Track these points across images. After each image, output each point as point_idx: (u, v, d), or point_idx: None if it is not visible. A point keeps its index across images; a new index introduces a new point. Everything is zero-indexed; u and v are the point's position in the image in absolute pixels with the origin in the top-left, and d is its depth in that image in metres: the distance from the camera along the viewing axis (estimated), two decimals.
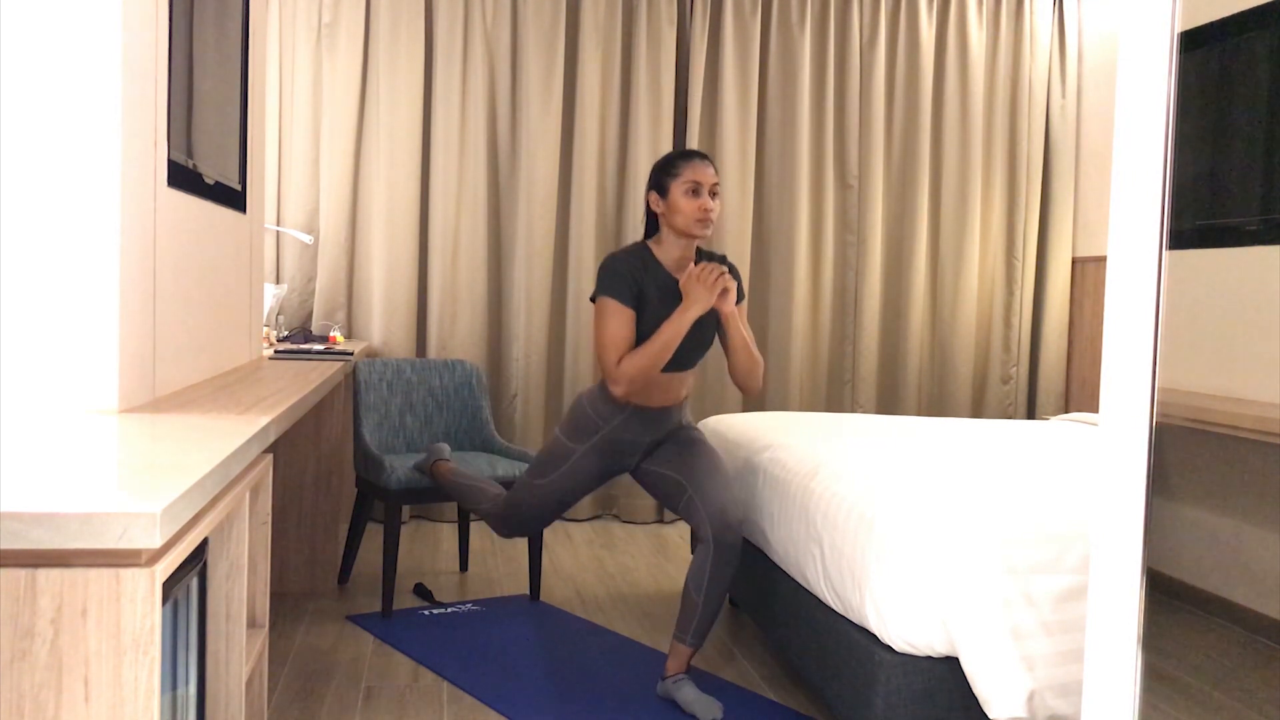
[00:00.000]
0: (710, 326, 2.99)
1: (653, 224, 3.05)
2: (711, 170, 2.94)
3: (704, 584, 2.87)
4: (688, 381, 3.09)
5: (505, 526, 3.25)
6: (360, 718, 2.82)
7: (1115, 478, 1.47)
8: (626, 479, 5.14)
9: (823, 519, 2.68)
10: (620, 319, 2.89)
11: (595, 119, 5.06)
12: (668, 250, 2.99)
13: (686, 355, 2.98)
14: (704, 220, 2.92)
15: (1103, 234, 5.25)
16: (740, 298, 3.02)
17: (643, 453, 3.10)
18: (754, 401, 5.30)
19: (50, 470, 1.46)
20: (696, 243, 3.00)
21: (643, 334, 2.91)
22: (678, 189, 2.92)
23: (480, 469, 3.77)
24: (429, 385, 4.20)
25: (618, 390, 2.89)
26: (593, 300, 2.95)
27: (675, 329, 2.86)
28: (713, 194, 2.93)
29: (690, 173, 2.92)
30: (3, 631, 1.26)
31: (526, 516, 3.19)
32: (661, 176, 2.97)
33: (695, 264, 2.95)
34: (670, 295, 2.94)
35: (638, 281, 2.91)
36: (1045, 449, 3.28)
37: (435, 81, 4.98)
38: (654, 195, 2.98)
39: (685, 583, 2.92)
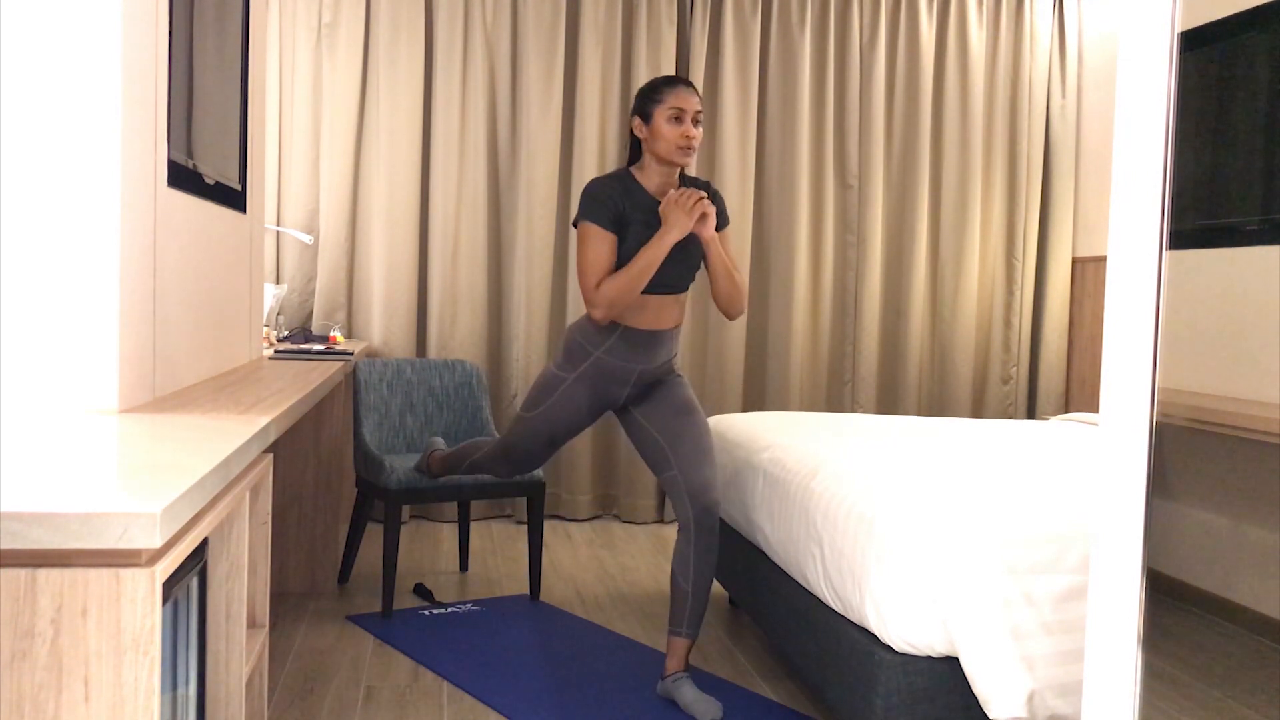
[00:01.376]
0: (696, 249, 3.00)
1: (635, 151, 3.05)
2: (696, 98, 2.93)
3: (690, 571, 2.90)
4: (678, 306, 3.07)
5: (503, 464, 3.25)
6: (360, 718, 2.82)
7: (1115, 478, 1.47)
8: (622, 463, 5.15)
9: (823, 519, 2.68)
10: (601, 243, 2.90)
11: (595, 119, 5.06)
12: (650, 176, 3.00)
13: (674, 277, 2.99)
14: (686, 147, 2.92)
15: (1103, 234, 5.25)
16: (724, 223, 3.04)
17: (632, 387, 3.08)
18: (754, 400, 5.31)
19: (50, 470, 1.46)
20: (679, 170, 3.01)
21: (625, 258, 2.92)
22: (661, 115, 2.92)
23: None
24: (429, 385, 4.20)
25: (596, 314, 2.91)
26: (574, 225, 2.97)
27: (653, 253, 2.87)
28: (696, 121, 2.93)
29: (674, 99, 2.91)
30: (3, 631, 1.26)
31: (521, 451, 3.19)
32: (645, 102, 2.97)
33: (677, 190, 2.97)
34: (653, 219, 2.95)
35: (618, 206, 2.92)
36: (1045, 449, 3.27)
37: (435, 81, 4.98)
38: (637, 120, 2.99)
39: (671, 573, 2.95)
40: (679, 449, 2.97)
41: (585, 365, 3.03)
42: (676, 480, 2.94)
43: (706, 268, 3.03)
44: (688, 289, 3.08)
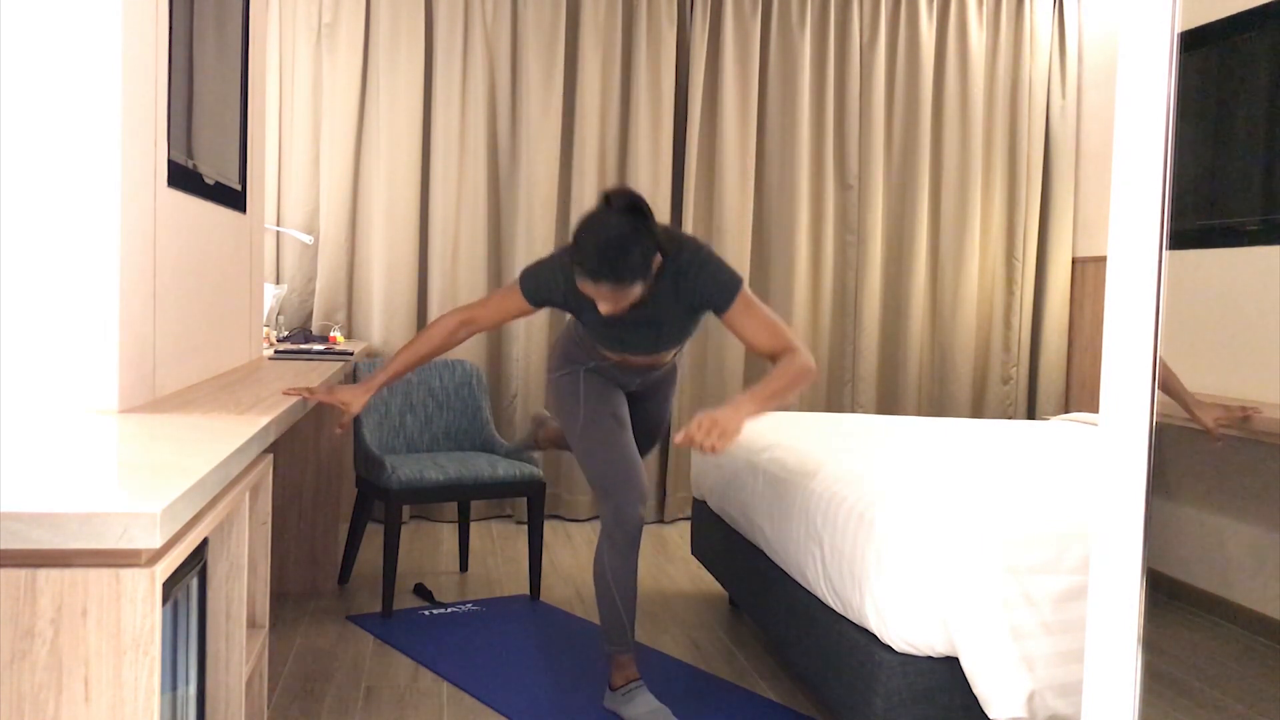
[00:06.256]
0: (670, 329, 2.73)
1: None
2: (605, 291, 2.47)
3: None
4: (667, 355, 2.89)
5: (612, 510, 2.79)
6: (360, 718, 2.82)
7: (1115, 478, 1.47)
8: None
9: (823, 519, 2.68)
10: (505, 299, 2.68)
11: (595, 119, 5.06)
12: None
13: (640, 346, 2.77)
14: (610, 312, 2.57)
15: (1103, 234, 5.25)
16: (724, 304, 2.59)
17: (637, 387, 3.00)
18: None
19: (50, 470, 1.46)
20: None
21: (587, 326, 2.76)
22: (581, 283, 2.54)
23: (480, 469, 3.77)
24: (429, 385, 4.20)
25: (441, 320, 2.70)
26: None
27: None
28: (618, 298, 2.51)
29: (582, 286, 2.51)
30: (3, 631, 1.26)
31: (613, 469, 2.77)
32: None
33: (665, 357, 2.88)
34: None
35: (554, 299, 2.68)
36: (1045, 449, 3.27)
37: (435, 81, 4.98)
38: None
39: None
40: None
41: (581, 369, 2.92)
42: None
43: None
44: (672, 356, 2.90)
